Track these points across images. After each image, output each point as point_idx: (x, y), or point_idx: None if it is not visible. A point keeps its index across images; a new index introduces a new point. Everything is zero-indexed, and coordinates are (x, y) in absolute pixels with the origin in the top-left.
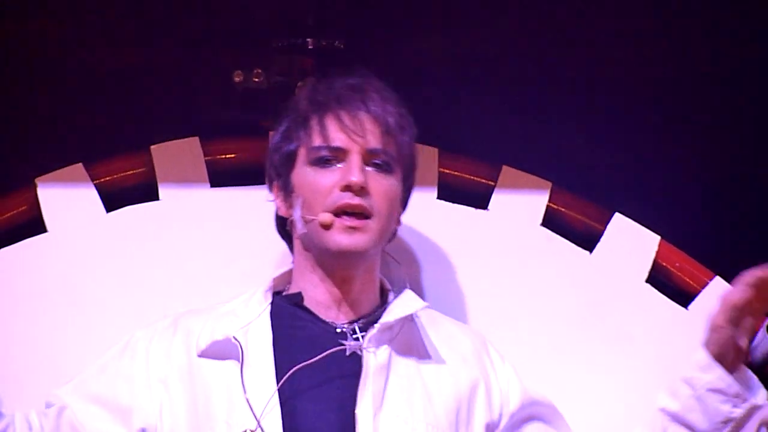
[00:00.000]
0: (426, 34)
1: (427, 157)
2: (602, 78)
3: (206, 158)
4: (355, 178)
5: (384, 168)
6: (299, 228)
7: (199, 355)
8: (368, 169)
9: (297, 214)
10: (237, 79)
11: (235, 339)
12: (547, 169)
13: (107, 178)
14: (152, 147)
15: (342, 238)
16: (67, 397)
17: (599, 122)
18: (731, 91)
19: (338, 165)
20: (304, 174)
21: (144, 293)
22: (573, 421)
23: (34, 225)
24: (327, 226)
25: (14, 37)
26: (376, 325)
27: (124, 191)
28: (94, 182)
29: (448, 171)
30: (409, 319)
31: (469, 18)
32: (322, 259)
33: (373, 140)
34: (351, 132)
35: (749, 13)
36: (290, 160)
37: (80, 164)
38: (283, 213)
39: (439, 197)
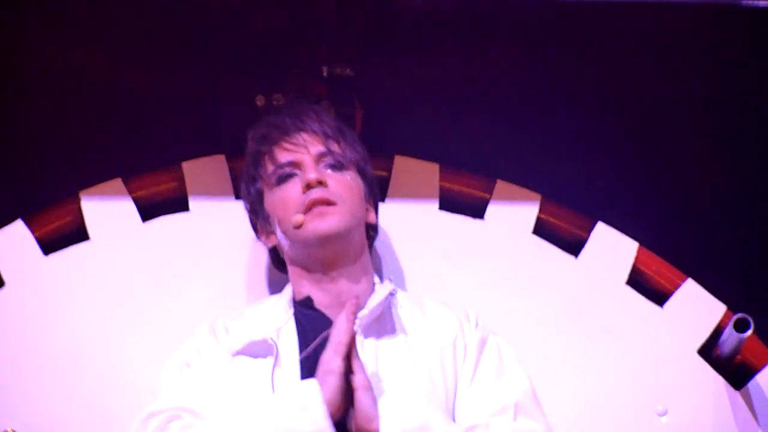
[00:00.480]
0: (424, 62)
1: (429, 172)
2: (585, 100)
3: (231, 173)
4: (312, 174)
5: (336, 166)
6: (284, 245)
7: (234, 354)
8: (325, 170)
9: (278, 233)
10: (259, 103)
11: (272, 340)
12: (537, 182)
13: (143, 192)
14: (183, 163)
15: (316, 224)
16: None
17: (583, 140)
18: (701, 114)
19: (293, 177)
20: (271, 196)
21: (175, 296)
22: (560, 408)
23: (78, 233)
24: (300, 225)
25: (62, 64)
26: (362, 312)
27: (158, 203)
28: (132, 195)
29: (448, 185)
30: (392, 304)
31: (461, 47)
32: (309, 261)
33: (317, 147)
34: (295, 147)
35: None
36: (259, 195)
37: (119, 179)
38: (272, 243)
39: (441, 208)
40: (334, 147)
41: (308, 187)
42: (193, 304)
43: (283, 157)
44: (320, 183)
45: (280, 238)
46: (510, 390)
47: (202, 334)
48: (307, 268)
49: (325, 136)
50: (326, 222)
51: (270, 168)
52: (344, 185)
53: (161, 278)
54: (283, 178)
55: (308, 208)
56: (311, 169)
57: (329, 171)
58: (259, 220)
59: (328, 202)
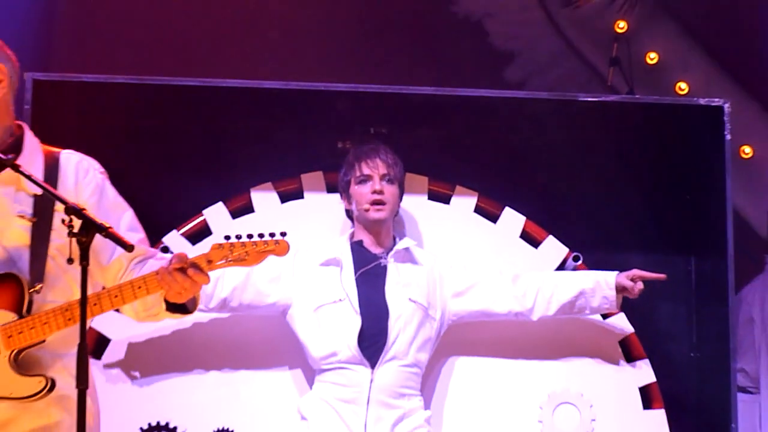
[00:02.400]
0: (427, 122)
1: (423, 181)
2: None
3: (324, 180)
4: (377, 187)
5: (389, 181)
6: (355, 213)
7: (321, 264)
8: (383, 182)
9: (354, 207)
10: (339, 145)
11: (341, 257)
12: (476, 185)
13: (282, 188)
14: (302, 175)
15: (373, 212)
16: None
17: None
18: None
19: (368, 182)
20: (354, 188)
21: (294, 233)
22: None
23: (249, 209)
24: (367, 210)
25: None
26: (391, 252)
27: (288, 193)
28: (276, 190)
29: (432, 188)
30: (407, 249)
31: (454, 110)
32: (366, 225)
33: (383, 169)
34: (371, 167)
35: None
36: (348, 184)
37: (270, 182)
38: (347, 207)
39: (429, 199)
40: (391, 171)
41: (374, 193)
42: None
43: (363, 170)
44: (380, 192)
45: (354, 210)
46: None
47: (305, 247)
48: (364, 227)
49: (387, 164)
50: (380, 213)
51: (356, 174)
52: (391, 194)
53: (290, 228)
54: (361, 182)
55: (372, 203)
56: (377, 183)
57: (385, 183)
58: (345, 195)
59: (382, 203)
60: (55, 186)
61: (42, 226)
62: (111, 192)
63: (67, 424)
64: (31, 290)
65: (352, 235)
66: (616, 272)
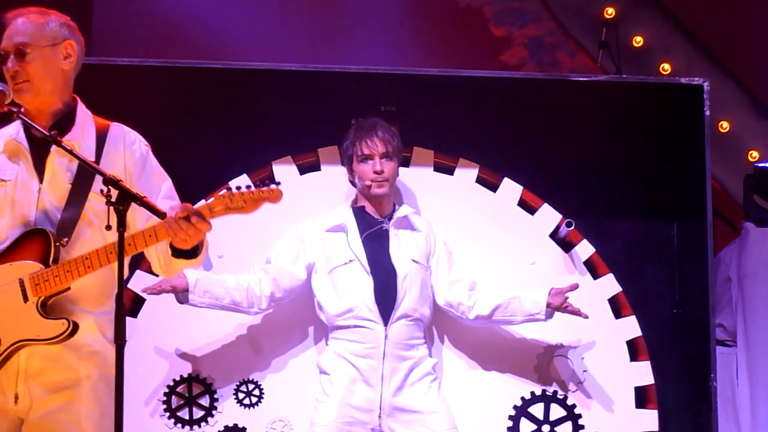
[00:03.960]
0: (433, 100)
1: (428, 154)
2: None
3: (339, 152)
4: (378, 167)
5: (388, 158)
6: (359, 186)
7: (326, 231)
8: (382, 160)
9: (357, 182)
10: (353, 122)
11: (345, 224)
12: (479, 159)
13: (300, 161)
14: (318, 149)
15: (375, 189)
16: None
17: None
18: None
19: (369, 162)
20: (357, 165)
21: (310, 206)
22: (480, 264)
23: (271, 180)
24: (369, 186)
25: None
26: (392, 220)
27: (306, 166)
28: (295, 163)
29: (437, 159)
30: (405, 216)
31: (461, 88)
32: (368, 196)
33: (381, 148)
34: (371, 147)
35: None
36: (350, 159)
37: (289, 156)
38: (351, 179)
39: (434, 170)
40: (389, 148)
41: (375, 173)
42: (316, 208)
43: (363, 150)
44: (381, 172)
45: (357, 184)
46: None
47: (305, 224)
48: (366, 197)
49: (384, 142)
50: (381, 189)
51: (358, 152)
52: (390, 169)
53: (308, 198)
54: (363, 160)
55: (373, 180)
56: (377, 162)
57: (384, 160)
58: (348, 168)
59: (384, 180)
60: (102, 153)
61: (80, 190)
62: (153, 162)
63: (95, 378)
64: (57, 243)
65: (354, 201)
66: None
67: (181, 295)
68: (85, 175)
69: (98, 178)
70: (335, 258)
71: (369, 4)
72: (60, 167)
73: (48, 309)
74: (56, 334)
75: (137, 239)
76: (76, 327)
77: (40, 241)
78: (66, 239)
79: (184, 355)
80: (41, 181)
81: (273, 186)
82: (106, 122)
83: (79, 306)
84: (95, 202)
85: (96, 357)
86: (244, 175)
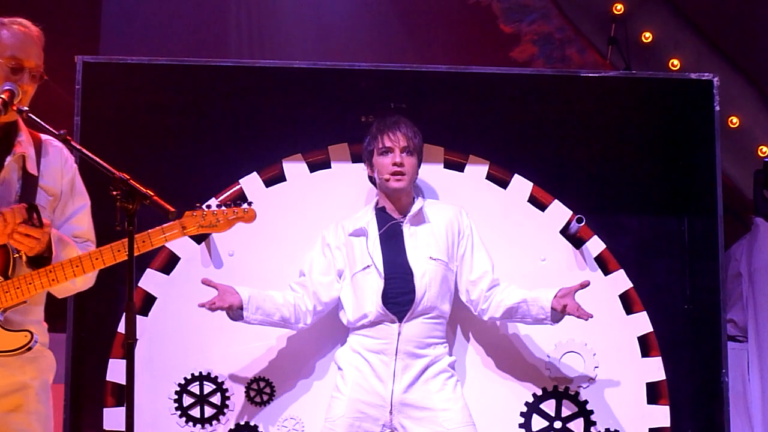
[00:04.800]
0: (443, 97)
1: (438, 151)
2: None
3: (350, 150)
4: (398, 159)
5: (409, 153)
6: (378, 181)
7: (349, 235)
8: (403, 154)
9: (376, 176)
10: (363, 119)
11: (365, 227)
12: (489, 155)
13: (311, 159)
14: (329, 147)
15: (393, 182)
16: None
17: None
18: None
19: (390, 154)
20: (377, 158)
21: (324, 204)
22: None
23: (282, 179)
24: (388, 180)
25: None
26: (407, 218)
27: (317, 163)
28: (306, 160)
29: (448, 157)
30: (419, 210)
31: (468, 86)
32: (387, 192)
33: (403, 142)
34: (393, 140)
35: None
36: (371, 154)
37: (299, 154)
38: (370, 174)
39: (444, 167)
40: (410, 144)
41: (395, 165)
42: (326, 206)
43: (385, 143)
44: (400, 164)
45: (377, 178)
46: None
47: (330, 230)
48: (385, 194)
49: (407, 137)
50: (399, 183)
51: (379, 145)
52: (410, 164)
53: (319, 196)
54: (383, 153)
55: (393, 174)
56: (398, 155)
57: (405, 155)
58: (368, 163)
59: (402, 173)
60: (41, 165)
61: (25, 200)
62: (79, 181)
63: (38, 383)
64: (15, 256)
65: (376, 203)
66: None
67: (235, 312)
68: (28, 187)
69: (40, 191)
70: (357, 263)
71: (379, 1)
72: (11, 180)
73: (5, 319)
74: (19, 345)
75: (150, 241)
76: (34, 339)
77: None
78: (22, 252)
79: (195, 354)
80: None
81: (247, 206)
82: (36, 134)
83: (26, 317)
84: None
85: (37, 363)
86: (255, 174)
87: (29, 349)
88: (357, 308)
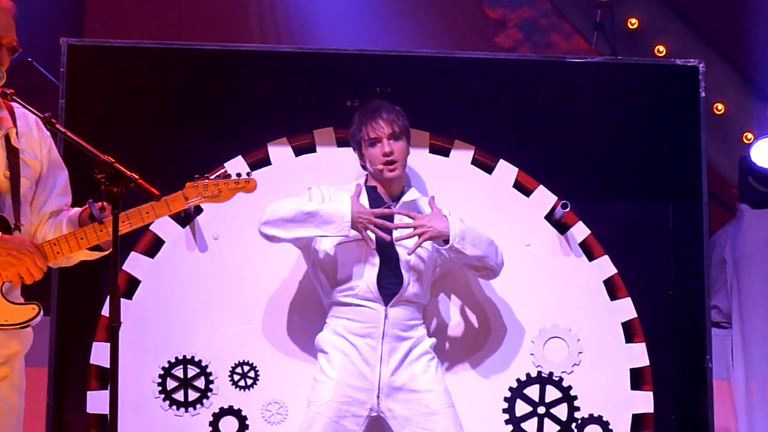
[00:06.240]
0: (428, 82)
1: (423, 135)
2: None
3: (336, 134)
4: (387, 149)
5: (396, 137)
6: (370, 170)
7: None
8: (390, 141)
9: (368, 165)
10: (348, 103)
11: (360, 200)
12: (472, 140)
13: (296, 143)
14: (314, 131)
15: (388, 174)
16: None
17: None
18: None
19: (378, 144)
20: (366, 149)
21: (308, 184)
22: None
23: (267, 163)
24: (381, 170)
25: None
26: (398, 204)
27: (302, 147)
28: (290, 144)
29: (433, 141)
30: (413, 201)
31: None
32: (379, 178)
33: (388, 129)
34: (377, 129)
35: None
36: (359, 144)
37: (285, 137)
38: (362, 164)
39: (430, 152)
40: (396, 128)
41: (385, 155)
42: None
43: (371, 133)
44: (390, 153)
45: (368, 166)
46: None
47: (314, 189)
48: (377, 179)
49: (390, 122)
50: (393, 173)
51: (365, 137)
52: (399, 150)
53: (304, 180)
54: (371, 143)
55: (385, 164)
56: (386, 144)
57: (392, 142)
58: (358, 152)
59: (394, 162)
60: (19, 136)
61: (15, 175)
62: (55, 150)
63: (21, 355)
64: (14, 229)
65: (366, 180)
66: None
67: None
68: (14, 161)
69: (24, 167)
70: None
71: None
72: (1, 157)
73: (5, 292)
74: (26, 318)
75: (133, 218)
76: (41, 312)
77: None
78: (22, 224)
79: (179, 337)
80: None
81: (246, 176)
82: (9, 104)
83: (14, 291)
84: (25, 189)
85: (19, 336)
86: (240, 157)
87: (31, 323)
88: (341, 279)
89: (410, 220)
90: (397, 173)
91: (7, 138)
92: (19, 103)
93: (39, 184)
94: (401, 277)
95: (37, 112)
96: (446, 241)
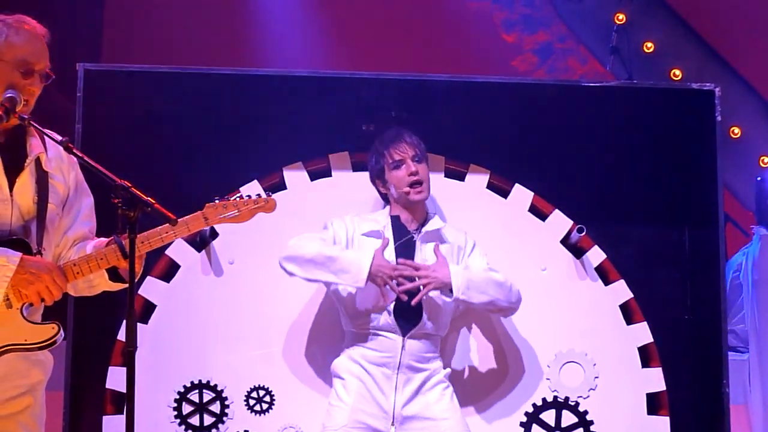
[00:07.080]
0: (444, 106)
1: (439, 160)
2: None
3: (350, 160)
4: (413, 168)
5: (419, 160)
6: (395, 195)
7: (363, 234)
8: (415, 162)
9: (392, 190)
10: (364, 128)
11: (384, 230)
12: (488, 164)
13: (311, 167)
14: (329, 155)
15: (415, 196)
16: None
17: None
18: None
19: (402, 166)
20: (391, 173)
21: (327, 208)
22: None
23: (283, 187)
24: (408, 193)
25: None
26: (420, 233)
27: (317, 172)
28: (306, 168)
29: (448, 166)
30: (436, 230)
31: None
32: (404, 204)
33: (411, 151)
34: (401, 152)
35: None
36: (382, 171)
37: (299, 162)
38: (383, 192)
39: (445, 176)
40: (417, 150)
41: (411, 175)
42: (326, 215)
43: (395, 155)
44: (416, 173)
45: (392, 192)
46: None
47: (335, 221)
48: (402, 205)
49: (412, 145)
50: (421, 195)
51: (389, 160)
52: (424, 172)
53: (319, 204)
54: (395, 167)
55: (411, 185)
56: (411, 165)
57: (416, 163)
58: (378, 180)
59: (420, 182)
60: (46, 154)
61: (42, 200)
62: (81, 176)
63: (43, 385)
64: (36, 253)
65: (390, 210)
66: None
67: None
68: (43, 185)
69: (52, 191)
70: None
71: (380, 10)
72: (28, 182)
73: (27, 313)
74: (46, 338)
75: (152, 238)
76: (61, 332)
77: (21, 250)
78: (44, 249)
79: (194, 362)
80: (12, 193)
81: (266, 196)
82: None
83: (35, 313)
84: (51, 214)
85: (40, 365)
86: (255, 182)
87: (54, 342)
88: (361, 311)
89: (426, 254)
90: (424, 195)
91: (37, 162)
92: (36, 128)
93: (65, 208)
94: (420, 311)
95: (55, 137)
96: (452, 291)
